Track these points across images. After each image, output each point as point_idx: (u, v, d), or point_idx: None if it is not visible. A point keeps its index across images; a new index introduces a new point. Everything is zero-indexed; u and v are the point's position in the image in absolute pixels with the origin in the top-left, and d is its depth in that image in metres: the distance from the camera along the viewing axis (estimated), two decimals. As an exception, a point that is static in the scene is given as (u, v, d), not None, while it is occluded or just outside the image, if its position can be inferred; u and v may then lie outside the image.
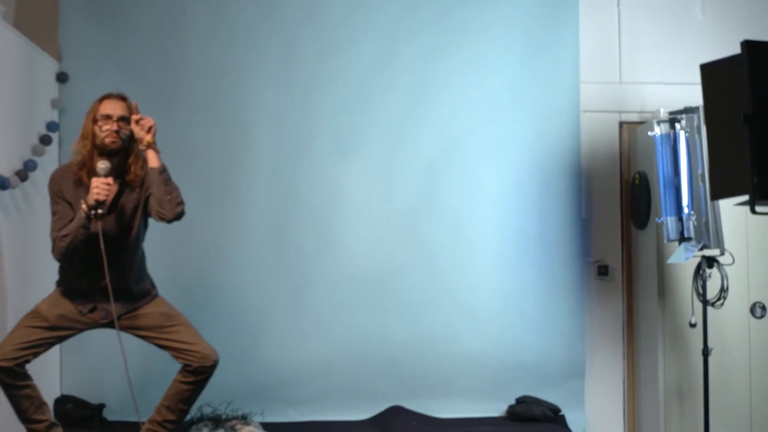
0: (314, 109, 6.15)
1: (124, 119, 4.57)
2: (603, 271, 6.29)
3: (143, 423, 4.71)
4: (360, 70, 6.18)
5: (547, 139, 6.26)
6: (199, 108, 6.05)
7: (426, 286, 6.16)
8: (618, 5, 6.40)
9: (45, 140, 5.61)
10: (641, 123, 6.22)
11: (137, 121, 4.49)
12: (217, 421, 5.45)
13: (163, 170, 4.48)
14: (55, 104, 5.88)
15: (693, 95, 5.91)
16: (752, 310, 5.78)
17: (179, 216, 4.54)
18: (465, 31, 6.24)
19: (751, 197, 4.62)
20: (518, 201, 6.23)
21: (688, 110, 5.46)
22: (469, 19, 6.25)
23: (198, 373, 4.67)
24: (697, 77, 5.76)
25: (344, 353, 6.08)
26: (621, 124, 6.35)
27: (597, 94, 6.33)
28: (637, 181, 6.07)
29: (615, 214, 6.32)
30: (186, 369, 4.70)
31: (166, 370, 4.88)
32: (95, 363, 5.85)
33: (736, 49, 5.66)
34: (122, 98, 4.64)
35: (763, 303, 5.77)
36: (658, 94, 6.30)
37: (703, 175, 5.34)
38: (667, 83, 6.30)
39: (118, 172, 4.58)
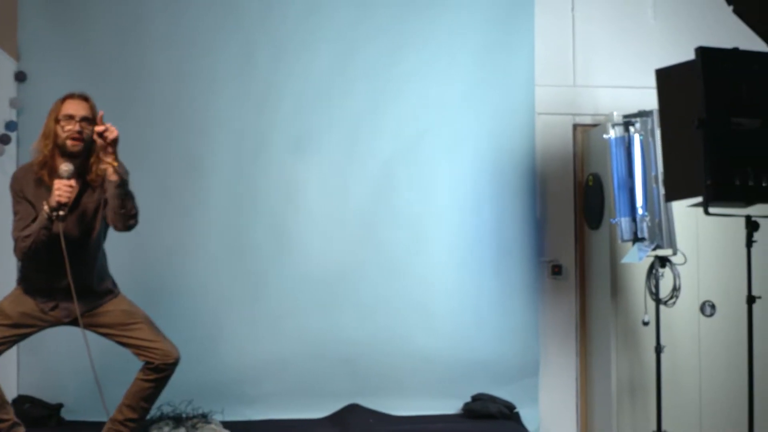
0: (271, 110, 6.17)
1: (87, 120, 4.57)
2: (557, 270, 6.40)
3: (103, 422, 4.71)
4: (317, 73, 6.22)
5: (502, 140, 6.35)
6: (157, 109, 6.05)
7: (382, 285, 6.21)
8: (572, 10, 6.51)
9: (3, 139, 5.59)
10: (595, 125, 6.34)
11: (101, 133, 4.44)
12: (177, 420, 5.47)
13: (119, 184, 4.45)
14: (13, 103, 5.85)
15: (645, 99, 6.07)
16: (702, 309, 5.93)
17: (130, 228, 4.56)
18: (422, 34, 6.30)
19: (704, 199, 4.76)
20: (473, 201, 6.31)
21: (643, 114, 5.58)
22: (426, 22, 6.32)
23: (160, 370, 4.71)
24: (649, 81, 5.91)
25: (301, 352, 6.12)
26: (575, 126, 6.47)
27: (551, 97, 6.43)
28: (590, 183, 6.19)
29: (568, 214, 6.44)
30: (148, 367, 4.73)
31: (125, 368, 4.92)
32: (53, 362, 5.83)
33: (687, 54, 5.80)
34: (85, 98, 4.64)
35: (713, 302, 5.91)
36: (611, 97, 6.42)
37: (656, 177, 5.47)
38: (620, 86, 6.43)
39: (80, 171, 4.58)
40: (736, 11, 4.49)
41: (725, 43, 5.51)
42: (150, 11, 6.08)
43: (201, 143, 6.09)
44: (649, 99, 6.07)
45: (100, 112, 4.49)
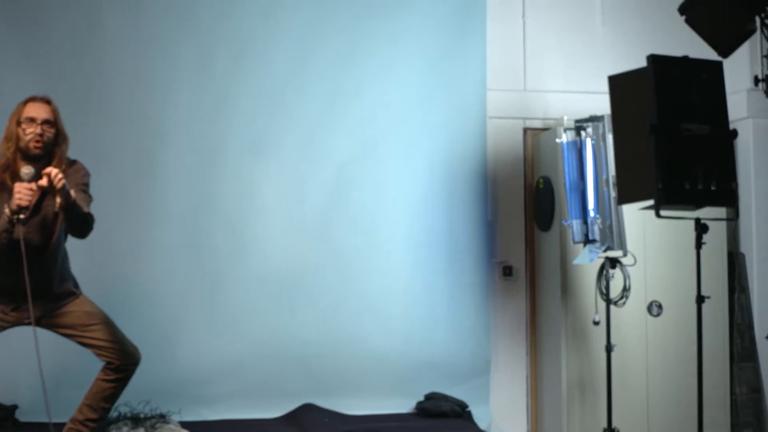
0: (228, 112, 6.21)
1: (49, 122, 4.56)
2: (507, 271, 6.53)
3: (61, 423, 4.71)
4: (273, 75, 6.27)
5: (455, 144, 6.46)
6: (115, 111, 6.05)
7: (337, 285, 6.28)
8: (523, 16, 6.64)
9: (-37, 142, 5.52)
10: (545, 129, 6.48)
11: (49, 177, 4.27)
12: (136, 420, 5.48)
13: (64, 208, 4.40)
14: (-29, 106, 5.79)
15: (594, 103, 6.24)
16: (649, 309, 6.09)
17: (82, 237, 4.57)
18: (377, 39, 6.39)
19: (656, 202, 4.91)
20: (427, 203, 6.42)
21: (594, 119, 5.73)
22: (381, 26, 6.40)
23: (121, 370, 4.72)
24: (598, 86, 6.12)
25: (257, 352, 6.16)
26: (525, 130, 6.60)
27: (502, 101, 6.56)
28: (541, 185, 6.33)
29: (519, 216, 6.57)
30: (108, 367, 4.73)
31: (83, 369, 4.93)
32: (7, 364, 5.78)
33: (635, 60, 5.99)
34: (47, 101, 4.62)
35: (660, 302, 6.08)
36: (560, 102, 6.56)
37: (607, 180, 5.61)
38: (570, 91, 6.58)
39: (42, 175, 4.55)
40: (688, 21, 4.63)
41: (671, 49, 5.70)
42: (108, 14, 6.08)
43: (158, 145, 6.10)
44: (598, 104, 6.25)
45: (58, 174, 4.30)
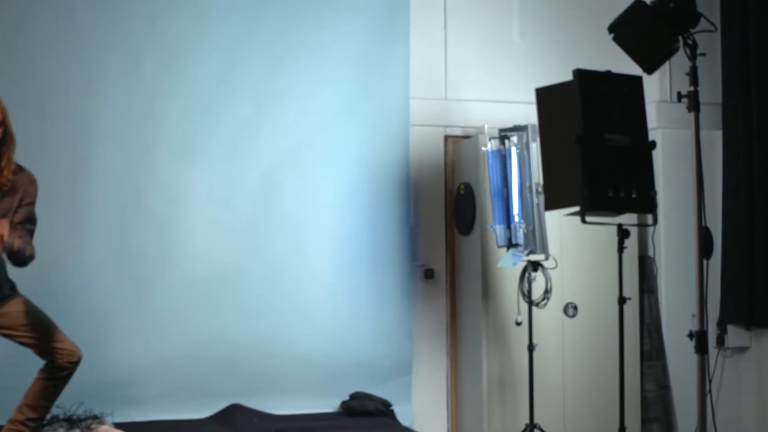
0: (158, 116, 6.26)
1: None
2: (429, 274, 6.74)
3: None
4: (202, 80, 6.34)
5: (379, 150, 6.64)
6: (45, 113, 6.04)
7: (263, 288, 6.38)
8: (445, 27, 6.85)
9: None
10: (465, 137, 6.72)
11: None
12: (71, 421, 5.49)
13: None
14: None
15: (512, 113, 6.56)
16: (565, 310, 6.38)
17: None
18: (304, 47, 6.51)
19: (582, 209, 5.20)
20: (351, 208, 6.57)
21: (518, 128, 5.98)
22: (307, 35, 6.53)
23: (62, 369, 4.78)
24: (515, 96, 6.45)
25: (185, 353, 6.22)
26: (446, 137, 6.82)
27: (424, 109, 6.76)
28: (462, 191, 6.56)
29: (440, 221, 6.79)
30: (49, 366, 4.78)
31: (16, 371, 4.96)
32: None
33: (549, 71, 6.35)
34: None
35: (575, 303, 6.38)
36: (480, 111, 6.80)
37: (531, 187, 5.87)
38: (488, 101, 6.82)
39: None
40: (616, 39, 4.92)
41: (582, 61, 6.03)
42: (39, 16, 6.06)
43: (88, 148, 6.12)
44: (516, 113, 6.58)
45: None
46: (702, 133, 4.85)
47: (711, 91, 6.54)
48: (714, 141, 6.73)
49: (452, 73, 6.86)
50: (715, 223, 6.51)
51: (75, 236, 6.09)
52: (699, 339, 4.68)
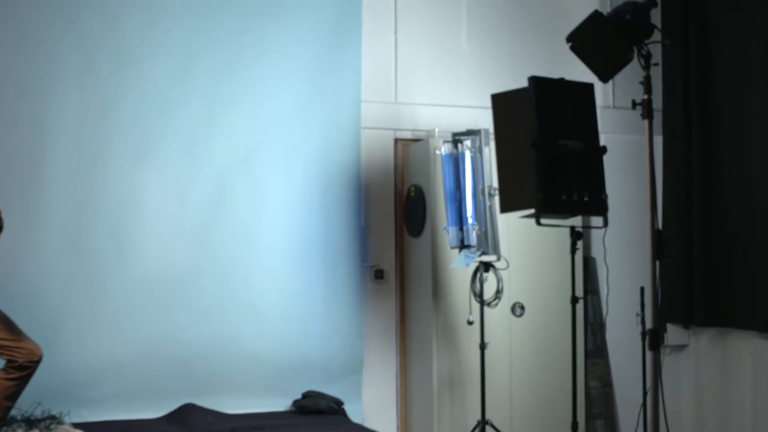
0: (112, 117, 6.27)
1: None
2: (379, 274, 6.85)
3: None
4: (156, 82, 6.37)
5: (331, 153, 6.74)
6: (-2, 115, 6.04)
7: (216, 288, 6.43)
8: (395, 32, 6.97)
9: None
10: (415, 140, 6.86)
11: None
12: (30, 422, 5.48)
13: None
14: None
15: (461, 116, 6.77)
16: (513, 310, 6.56)
17: None
18: (258, 49, 6.58)
19: (536, 211, 5.39)
20: (303, 210, 6.66)
21: (471, 132, 6.13)
22: (260, 39, 6.59)
23: (23, 368, 4.82)
24: (463, 101, 6.63)
25: (137, 353, 6.24)
26: (396, 140, 6.94)
27: (375, 113, 6.87)
28: (412, 193, 6.69)
29: (389, 222, 6.91)
30: (11, 365, 4.82)
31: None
32: None
33: (496, 76, 6.54)
34: None
35: (522, 303, 6.57)
36: (429, 114, 6.93)
37: (483, 189, 6.03)
38: (437, 105, 6.97)
39: None
40: (573, 49, 5.10)
41: (528, 67, 6.26)
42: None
43: (42, 149, 6.11)
44: (464, 117, 6.76)
45: None
46: (643, 138, 5.06)
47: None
48: (655, 146, 6.95)
49: (402, 77, 6.99)
50: (656, 225, 6.73)
51: (29, 237, 6.06)
52: (652, 336, 4.87)
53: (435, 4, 7.10)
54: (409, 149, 6.88)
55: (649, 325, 5.01)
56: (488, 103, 5.79)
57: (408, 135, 6.96)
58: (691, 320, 6.79)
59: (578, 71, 5.89)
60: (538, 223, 5.40)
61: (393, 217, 6.93)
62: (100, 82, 6.25)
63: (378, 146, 6.90)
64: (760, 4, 6.32)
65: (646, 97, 4.92)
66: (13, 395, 4.84)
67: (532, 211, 5.46)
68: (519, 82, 5.68)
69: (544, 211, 5.41)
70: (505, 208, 5.63)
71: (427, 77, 7.05)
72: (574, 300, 5.65)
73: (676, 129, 6.86)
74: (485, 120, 6.49)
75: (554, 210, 5.46)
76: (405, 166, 6.91)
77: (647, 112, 4.92)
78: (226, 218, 6.50)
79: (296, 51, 6.68)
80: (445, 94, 7.04)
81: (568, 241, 5.94)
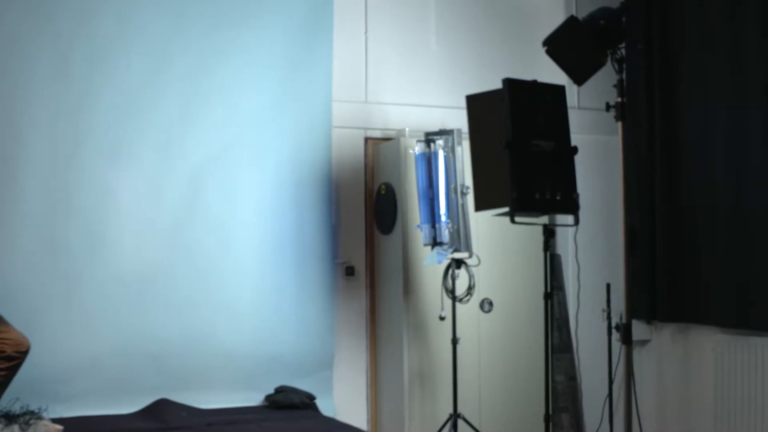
0: (86, 115, 6.29)
1: None
2: (350, 271, 6.96)
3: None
4: (131, 80, 6.40)
5: (302, 152, 6.83)
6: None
7: (190, 285, 6.49)
8: (366, 33, 7.08)
9: None
10: (384, 139, 6.98)
11: None
12: (9, 417, 5.49)
13: None
14: None
15: (430, 116, 6.90)
16: (481, 306, 6.71)
17: None
18: (231, 49, 6.64)
19: (511, 209, 5.54)
20: (276, 207, 6.74)
21: (444, 132, 6.27)
22: (233, 38, 6.66)
23: (11, 359, 4.87)
24: (432, 101, 6.76)
25: (112, 350, 6.28)
26: (366, 139, 7.05)
27: (346, 112, 6.97)
28: (383, 192, 6.81)
29: (360, 220, 7.02)
30: None
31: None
32: None
33: (464, 77, 6.68)
34: None
35: (491, 299, 6.72)
36: (399, 114, 7.06)
37: (456, 188, 6.17)
38: (407, 104, 7.10)
39: None
40: (549, 53, 5.26)
41: (495, 67, 6.41)
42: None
43: (16, 147, 6.11)
44: (433, 117, 6.90)
45: None
46: (605, 138, 5.22)
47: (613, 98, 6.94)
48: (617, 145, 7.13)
49: (372, 77, 7.10)
50: (619, 222, 6.92)
51: (3, 234, 6.07)
52: (625, 331, 5.05)
53: (404, 6, 7.23)
54: (379, 148, 6.99)
55: (620, 320, 5.17)
56: (457, 102, 5.94)
57: (378, 134, 7.08)
58: (653, 316, 6.97)
59: (545, 72, 6.08)
60: (513, 221, 5.54)
61: (363, 215, 7.04)
62: (74, 81, 6.27)
63: (349, 145, 7.01)
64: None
65: (619, 99, 5.08)
66: (1, 386, 4.87)
67: (505, 209, 5.59)
68: (487, 82, 5.84)
69: (518, 209, 5.56)
70: (480, 206, 5.77)
71: (397, 77, 7.17)
72: (548, 296, 5.80)
73: (639, 128, 6.98)
74: (454, 119, 6.66)
75: (528, 208, 5.61)
76: (375, 164, 7.02)
77: (621, 114, 5.09)
78: (199, 216, 6.56)
79: (269, 51, 6.76)
80: (414, 94, 7.17)
81: (536, 238, 6.13)
